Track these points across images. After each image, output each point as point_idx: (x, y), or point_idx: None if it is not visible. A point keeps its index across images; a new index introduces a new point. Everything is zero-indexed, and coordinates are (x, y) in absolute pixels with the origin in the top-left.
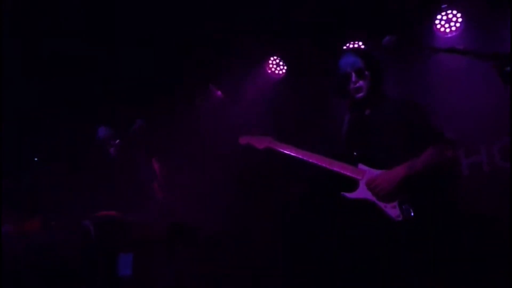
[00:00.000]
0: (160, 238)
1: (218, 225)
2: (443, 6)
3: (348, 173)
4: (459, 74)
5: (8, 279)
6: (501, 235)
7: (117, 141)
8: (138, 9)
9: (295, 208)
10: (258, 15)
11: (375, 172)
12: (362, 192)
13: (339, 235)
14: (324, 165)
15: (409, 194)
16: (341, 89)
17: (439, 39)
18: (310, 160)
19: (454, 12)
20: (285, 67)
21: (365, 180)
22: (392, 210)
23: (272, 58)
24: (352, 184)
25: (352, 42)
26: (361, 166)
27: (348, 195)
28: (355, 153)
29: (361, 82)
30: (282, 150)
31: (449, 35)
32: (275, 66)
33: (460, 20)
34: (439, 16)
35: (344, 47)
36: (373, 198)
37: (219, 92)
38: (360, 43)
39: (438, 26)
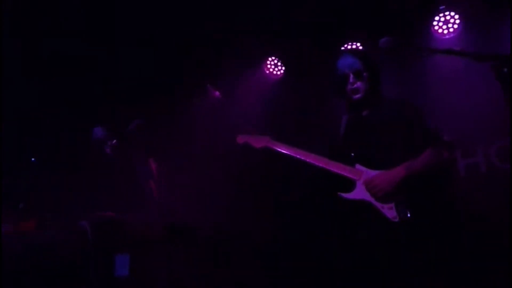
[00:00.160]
0: (158, 238)
1: (216, 225)
2: (441, 7)
3: (345, 174)
4: (457, 75)
5: (4, 279)
6: (498, 235)
7: (114, 141)
8: (138, 9)
9: (293, 208)
10: (256, 15)
11: (372, 172)
12: (359, 193)
13: (337, 235)
14: (321, 165)
15: (406, 195)
16: (338, 90)
17: (437, 41)
18: (308, 160)
19: (452, 13)
20: (283, 68)
21: (362, 181)
22: (389, 211)
23: (270, 59)
24: (349, 185)
25: (350, 43)
26: (358, 166)
27: (345, 195)
28: (352, 154)
29: (358, 83)
30: (279, 150)
31: (447, 37)
32: (273, 66)
33: (458, 21)
34: (437, 18)
35: (342, 48)
36: (370, 199)
37: (217, 93)
38: (358, 44)
39: (436, 27)
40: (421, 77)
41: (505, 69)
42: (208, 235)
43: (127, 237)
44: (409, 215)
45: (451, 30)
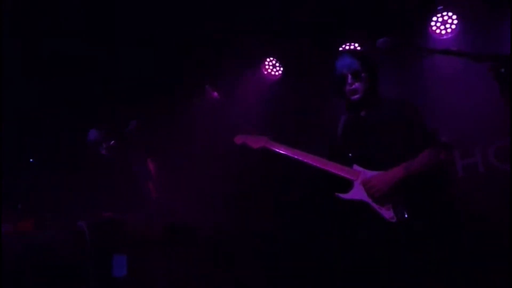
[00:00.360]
0: (156, 238)
1: (215, 225)
2: (438, 8)
3: (342, 174)
4: (455, 76)
5: (3, 278)
6: (497, 236)
7: (112, 141)
8: (138, 9)
9: (292, 208)
10: (255, 15)
11: (370, 173)
12: (356, 193)
13: (335, 235)
14: (319, 165)
15: (404, 196)
16: (337, 91)
17: (435, 41)
18: (305, 160)
19: (450, 14)
20: (281, 68)
21: (360, 181)
22: (386, 211)
23: (268, 59)
24: (347, 185)
25: (348, 44)
26: (356, 167)
27: (342, 195)
28: (350, 154)
29: (357, 84)
30: (277, 150)
31: (445, 37)
32: (271, 67)
33: (455, 22)
34: (434, 18)
35: (340, 49)
36: (367, 199)
37: (215, 93)
38: (356, 45)
39: (434, 28)
40: (419, 77)
41: (502, 69)
42: (207, 235)
43: (126, 237)
44: (406, 215)
45: (449, 30)
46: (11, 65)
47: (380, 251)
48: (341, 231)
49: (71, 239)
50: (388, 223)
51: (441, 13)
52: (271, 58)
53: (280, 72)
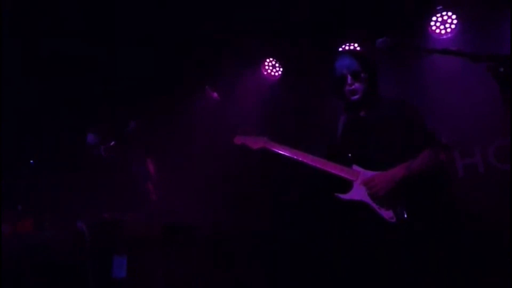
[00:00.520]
0: (155, 238)
1: (214, 225)
2: (438, 7)
3: (342, 174)
4: (454, 76)
5: (2, 279)
6: (497, 236)
7: (112, 142)
8: (138, 9)
9: (291, 208)
10: (255, 16)
11: (369, 173)
12: (356, 193)
13: (335, 235)
14: (318, 165)
15: (404, 196)
16: (336, 91)
17: (435, 41)
18: (305, 161)
19: (449, 13)
20: (281, 69)
21: (359, 181)
22: (386, 212)
23: (268, 60)
24: (346, 185)
25: (347, 44)
26: (355, 167)
27: (342, 196)
28: (349, 155)
29: (356, 85)
30: (277, 151)
31: (444, 37)
32: (271, 67)
33: (455, 21)
34: (434, 18)
35: (340, 49)
36: (367, 200)
37: (215, 94)
38: (356, 45)
39: (434, 27)
40: (419, 77)
41: (501, 69)
42: (207, 234)
43: (125, 238)
44: (406, 216)
45: (448, 30)
46: (11, 65)
47: (380, 251)
48: (340, 231)
49: (71, 239)
50: (387, 223)
51: (441, 13)
52: (271, 59)
53: (279, 72)
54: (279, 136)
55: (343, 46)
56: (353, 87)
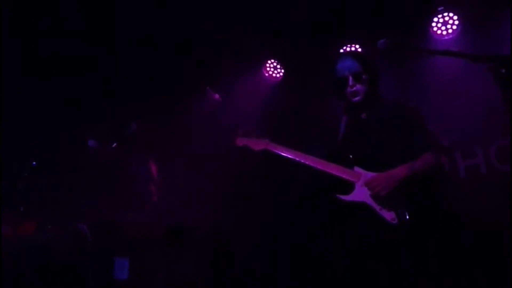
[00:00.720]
0: (157, 239)
1: (215, 226)
2: (439, 8)
3: (343, 176)
4: (455, 76)
5: (4, 281)
6: (499, 236)
7: (114, 144)
8: (138, 9)
9: (292, 209)
10: (255, 17)
11: (371, 175)
12: (357, 195)
13: (335, 236)
14: (320, 167)
15: (405, 197)
16: (338, 92)
17: (436, 42)
18: (306, 162)
19: (451, 14)
20: (282, 70)
21: (360, 183)
22: (387, 213)
23: (269, 61)
24: (348, 187)
25: (349, 45)
26: (356, 168)
27: (343, 197)
28: (351, 156)
29: (358, 86)
30: (278, 152)
31: (446, 38)
32: (272, 69)
33: (456, 22)
34: (435, 19)
35: (341, 51)
36: (369, 201)
37: (216, 95)
38: (357, 46)
39: (435, 28)
40: (419, 78)
41: (502, 70)
42: (208, 235)
43: (127, 240)
44: (407, 217)
45: (450, 31)
46: (11, 65)
47: (380, 251)
48: (340, 231)
49: (73, 241)
50: (386, 225)
51: (442, 13)
52: (272, 60)
53: (281, 74)
54: (281, 137)
55: (344, 48)
56: (354, 88)
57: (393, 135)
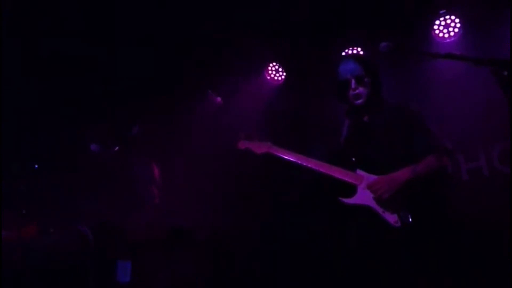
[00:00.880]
0: (159, 241)
1: (217, 228)
2: (441, 11)
3: (346, 179)
4: (457, 79)
5: (6, 284)
6: (502, 239)
7: (116, 147)
8: (138, 9)
9: (294, 212)
10: (256, 18)
11: (373, 177)
12: (360, 198)
13: (335, 237)
14: (322, 170)
15: (408, 200)
16: (340, 95)
17: (438, 44)
18: (309, 165)
19: (453, 17)
20: (284, 73)
21: (363, 186)
22: (390, 216)
23: (271, 64)
24: (350, 189)
25: (351, 48)
26: (359, 171)
27: (346, 200)
28: (353, 159)
29: (360, 89)
30: (281, 155)
31: (448, 40)
32: (274, 72)
33: (458, 25)
34: (437, 22)
35: (343, 53)
36: (372, 204)
37: (218, 98)
38: (359, 49)
39: (437, 31)
40: (421, 81)
41: (505, 73)
42: (210, 238)
43: (129, 242)
44: (410, 219)
45: (451, 34)
46: (11, 65)
47: (382, 253)
48: (341, 233)
49: (75, 244)
50: (389, 227)
51: (444, 16)
52: (274, 63)
53: (283, 77)
54: (282, 140)
55: (347, 51)
56: (357, 91)
57: (395, 138)
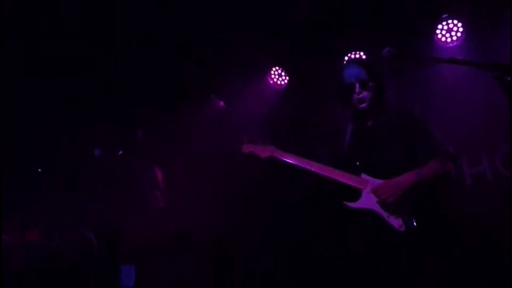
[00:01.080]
0: (162, 245)
1: (219, 231)
2: (443, 16)
3: (350, 183)
4: (459, 83)
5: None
6: (507, 243)
7: (120, 151)
8: (138, 9)
9: (297, 215)
10: (254, 16)
11: (378, 182)
12: (364, 202)
13: (337, 239)
14: (327, 174)
15: (412, 204)
16: (344, 100)
17: (440, 49)
18: (313, 169)
19: (455, 21)
20: (287, 78)
21: (368, 190)
22: (395, 220)
23: (274, 69)
24: (354, 193)
25: (354, 52)
26: (363, 176)
27: (350, 204)
28: (357, 163)
29: (364, 93)
30: (285, 159)
31: (450, 45)
32: (277, 76)
33: (461, 29)
34: (440, 26)
35: (347, 58)
36: (376, 208)
37: (221, 102)
38: (362, 53)
39: (439, 36)
40: (424, 86)
41: (508, 78)
42: (212, 240)
43: (132, 247)
44: (415, 224)
45: (454, 38)
46: (11, 65)
47: (384, 255)
48: (343, 235)
49: (79, 249)
50: (394, 232)
51: (446, 21)
52: (277, 68)
53: (286, 81)
54: (286, 144)
55: (350, 55)
56: (361, 95)
57: (399, 142)
